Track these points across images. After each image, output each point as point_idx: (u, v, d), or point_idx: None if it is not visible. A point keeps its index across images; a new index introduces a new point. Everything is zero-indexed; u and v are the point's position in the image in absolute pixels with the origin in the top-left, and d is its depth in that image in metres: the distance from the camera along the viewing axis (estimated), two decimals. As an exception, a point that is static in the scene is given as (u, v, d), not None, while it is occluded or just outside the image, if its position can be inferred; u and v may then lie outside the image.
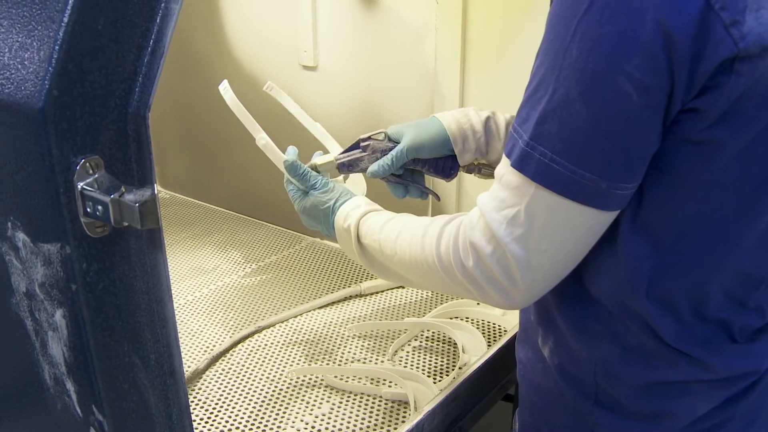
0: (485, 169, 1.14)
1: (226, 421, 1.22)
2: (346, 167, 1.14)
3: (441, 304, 1.55)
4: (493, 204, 0.76)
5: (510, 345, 1.34)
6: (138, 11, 0.60)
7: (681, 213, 0.76)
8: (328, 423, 1.21)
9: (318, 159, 1.14)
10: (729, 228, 0.76)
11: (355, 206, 1.03)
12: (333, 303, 1.58)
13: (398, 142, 1.12)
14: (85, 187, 0.58)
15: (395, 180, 1.15)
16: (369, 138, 1.13)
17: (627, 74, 0.67)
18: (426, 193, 1.17)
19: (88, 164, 0.59)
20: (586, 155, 0.70)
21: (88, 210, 0.59)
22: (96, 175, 0.59)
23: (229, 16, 1.90)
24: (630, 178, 0.73)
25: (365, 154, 1.13)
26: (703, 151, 0.71)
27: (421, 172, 1.16)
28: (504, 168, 0.76)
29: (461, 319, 1.48)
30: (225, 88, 1.16)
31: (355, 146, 1.14)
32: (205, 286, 1.67)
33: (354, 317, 1.53)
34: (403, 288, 1.62)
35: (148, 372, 0.69)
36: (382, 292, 1.62)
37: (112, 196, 0.57)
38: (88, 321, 0.63)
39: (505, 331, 1.44)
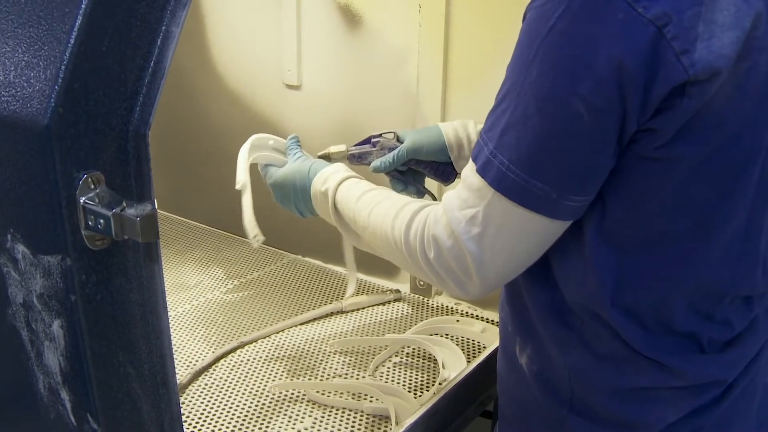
0: None
1: (209, 435, 1.23)
2: (356, 158, 1.25)
3: (421, 321, 1.57)
4: (456, 203, 0.81)
5: (489, 361, 1.36)
6: (140, 34, 0.63)
7: (641, 226, 0.80)
8: (310, 437, 1.22)
9: (332, 148, 1.25)
10: (686, 243, 0.80)
11: (335, 171, 1.09)
12: (315, 319, 1.60)
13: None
14: (87, 201, 0.61)
15: (397, 176, 1.25)
16: (380, 135, 1.24)
17: (579, 96, 0.71)
18: (423, 192, 1.27)
19: (90, 179, 0.61)
20: (538, 166, 0.75)
21: (90, 223, 0.61)
22: (97, 190, 0.62)
23: (214, 33, 1.92)
24: (581, 191, 0.77)
25: (374, 149, 1.24)
26: (659, 167, 0.76)
27: (422, 173, 1.26)
28: (469, 171, 0.81)
29: (441, 336, 1.50)
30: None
31: (367, 141, 1.25)
32: (188, 301, 1.68)
33: (336, 333, 1.54)
34: (384, 305, 1.65)
35: (142, 382, 0.71)
36: (364, 308, 1.64)
37: (114, 210, 0.59)
38: (85, 331, 0.65)
39: (484, 347, 1.47)
